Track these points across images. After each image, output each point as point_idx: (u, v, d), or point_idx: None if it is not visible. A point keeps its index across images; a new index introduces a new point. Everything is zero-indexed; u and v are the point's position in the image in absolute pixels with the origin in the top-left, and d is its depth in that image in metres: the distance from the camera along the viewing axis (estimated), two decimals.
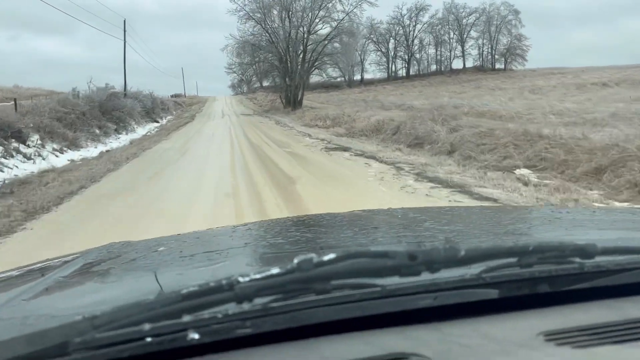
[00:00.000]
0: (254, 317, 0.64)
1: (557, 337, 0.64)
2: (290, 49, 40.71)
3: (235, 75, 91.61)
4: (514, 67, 70.91)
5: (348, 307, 0.68)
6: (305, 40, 40.00)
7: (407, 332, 0.67)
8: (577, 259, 0.77)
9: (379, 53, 76.97)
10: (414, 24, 76.33)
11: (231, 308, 0.63)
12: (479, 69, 72.20)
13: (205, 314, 0.63)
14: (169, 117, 36.32)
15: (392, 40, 77.40)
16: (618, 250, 0.83)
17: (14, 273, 1.21)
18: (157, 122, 30.75)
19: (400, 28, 75.11)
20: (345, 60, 43.14)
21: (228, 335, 0.63)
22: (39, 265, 1.28)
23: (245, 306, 0.64)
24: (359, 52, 67.23)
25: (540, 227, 1.39)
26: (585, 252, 0.78)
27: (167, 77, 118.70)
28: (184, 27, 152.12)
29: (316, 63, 41.16)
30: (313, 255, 0.67)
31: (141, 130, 24.21)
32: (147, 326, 0.61)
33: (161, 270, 1.05)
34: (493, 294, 0.73)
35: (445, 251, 0.71)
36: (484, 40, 75.25)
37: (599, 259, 0.78)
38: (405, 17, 75.31)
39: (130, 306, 0.63)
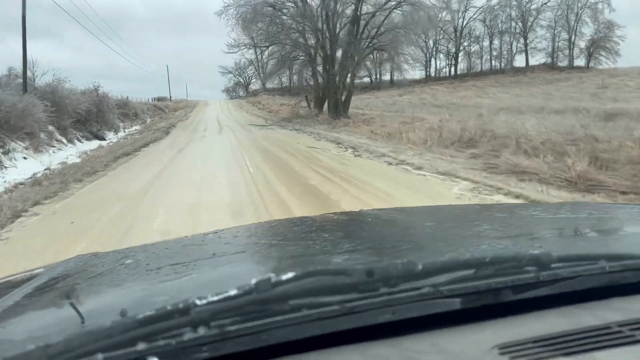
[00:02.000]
0: (210, 341, 0.69)
1: (512, 349, 0.71)
2: (330, 20, 23.66)
3: (232, 76, 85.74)
4: (599, 65, 58.91)
5: (307, 327, 0.74)
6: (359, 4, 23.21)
7: (368, 350, 0.73)
8: (533, 269, 0.84)
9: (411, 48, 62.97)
10: (465, 9, 62.80)
11: (187, 333, 0.69)
12: (550, 67, 60.49)
13: (160, 340, 0.68)
14: (133, 129, 25.77)
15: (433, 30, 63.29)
16: (573, 257, 0.89)
17: None
18: (103, 139, 20.01)
19: (447, 13, 58.52)
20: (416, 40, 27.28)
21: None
22: (1, 281, 1.36)
23: (201, 331, 0.69)
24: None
25: (513, 227, 1.44)
26: (541, 261, 0.84)
27: (156, 82, 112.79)
28: (174, 31, 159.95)
29: (374, 41, 24.40)
30: (271, 274, 0.74)
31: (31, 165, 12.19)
32: (100, 356, 0.65)
33: (125, 285, 1.11)
34: (452, 305, 0.80)
35: (402, 266, 0.78)
36: (557, 30, 61.99)
37: (554, 266, 0.84)
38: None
39: (84, 334, 0.68)
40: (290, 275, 0.73)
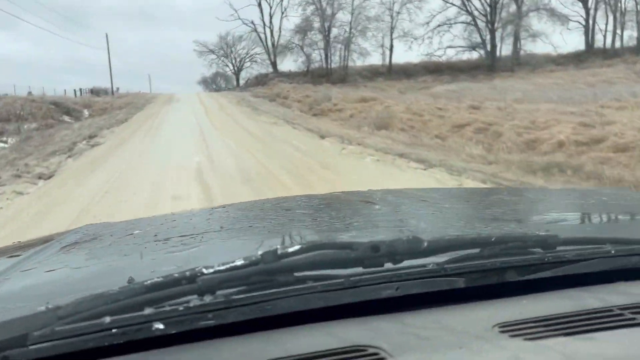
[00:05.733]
0: (216, 309, 0.71)
1: (512, 328, 0.71)
2: None
3: (214, 57, 59.47)
4: None
5: (311, 299, 0.75)
6: None
7: (369, 323, 0.74)
8: (539, 250, 0.84)
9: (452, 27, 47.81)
10: None
11: (193, 300, 0.70)
12: None
13: (167, 306, 0.69)
14: None
15: None
16: (579, 240, 0.90)
17: None
18: None
19: None
20: None
21: (191, 326, 0.70)
22: (14, 247, 1.38)
23: (207, 298, 0.71)
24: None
25: (516, 210, 1.46)
26: (547, 243, 0.85)
27: (127, 77, 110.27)
28: (142, 24, 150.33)
29: None
30: (277, 246, 0.75)
31: None
32: (107, 319, 0.67)
33: (134, 255, 1.13)
34: (456, 284, 0.80)
35: (408, 242, 0.79)
36: None
37: (560, 249, 0.85)
38: None
39: (93, 298, 0.69)
40: (296, 247, 0.75)
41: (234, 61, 62.18)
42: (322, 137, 14.85)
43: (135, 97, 41.83)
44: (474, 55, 46.39)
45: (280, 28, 53.22)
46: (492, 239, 0.84)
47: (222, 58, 61.90)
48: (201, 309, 0.70)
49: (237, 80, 61.94)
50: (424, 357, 0.64)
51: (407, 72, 45.67)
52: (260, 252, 0.74)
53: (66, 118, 27.41)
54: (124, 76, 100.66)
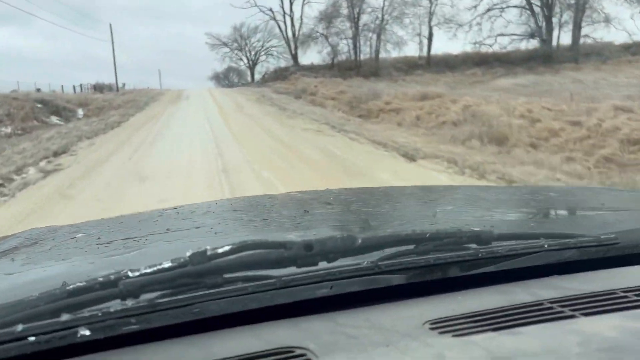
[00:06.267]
0: (139, 313, 0.70)
1: (443, 325, 0.71)
2: None
3: (228, 52, 55.21)
4: None
5: (241, 300, 0.74)
6: None
7: (301, 324, 0.73)
8: (473, 245, 0.84)
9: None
10: None
11: (115, 305, 0.69)
12: None
13: (85, 312, 0.68)
14: None
15: None
16: (513, 236, 0.90)
17: None
18: None
19: None
20: None
21: (114, 332, 0.69)
22: None
23: (130, 302, 0.69)
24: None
25: (464, 208, 1.46)
26: (481, 238, 0.85)
27: (138, 73, 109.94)
28: (152, 19, 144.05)
29: None
30: (207, 247, 0.74)
31: None
32: (20, 327, 0.66)
33: (72, 259, 1.12)
34: (390, 281, 0.80)
35: (342, 240, 0.78)
36: None
37: (494, 244, 0.85)
38: None
39: (10, 305, 0.69)
40: (227, 248, 0.74)
41: (248, 54, 57.41)
42: (411, 158, 9.44)
43: (141, 93, 37.41)
44: (523, 44, 40.36)
45: (301, 16, 47.82)
46: (427, 235, 0.84)
47: (236, 51, 57.23)
48: (123, 314, 0.69)
49: (252, 74, 57.27)
50: (349, 357, 0.64)
51: (448, 64, 40.10)
52: (188, 254, 0.73)
53: (54, 119, 22.99)
54: (133, 72, 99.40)
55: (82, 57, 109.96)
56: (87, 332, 0.66)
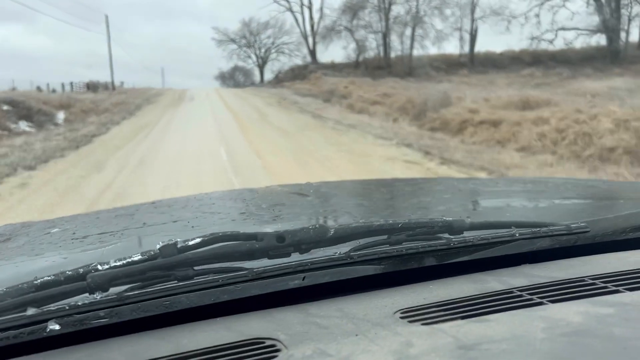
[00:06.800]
0: (108, 306, 0.69)
1: (413, 314, 0.71)
2: None
3: (236, 49, 49.65)
4: None
5: (212, 293, 0.74)
6: None
7: (273, 315, 0.73)
8: (446, 235, 0.84)
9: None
10: None
11: (82, 298, 0.69)
12: None
13: (52, 306, 0.68)
14: None
15: None
16: (485, 225, 0.90)
17: None
18: None
19: None
20: None
21: (84, 326, 0.69)
22: None
23: (98, 296, 0.69)
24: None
25: (442, 199, 1.45)
26: (453, 228, 0.85)
27: (145, 72, 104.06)
28: (158, 17, 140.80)
29: None
30: (177, 239, 0.74)
31: None
32: None
33: (45, 254, 1.10)
34: (362, 272, 0.80)
35: (314, 231, 0.78)
36: None
37: (466, 234, 0.85)
38: None
39: None
40: (197, 240, 0.74)
41: (257, 52, 52.90)
42: None
43: (138, 93, 32.76)
44: (585, 40, 34.31)
45: (321, 7, 42.43)
46: (399, 225, 0.83)
47: (244, 48, 52.80)
48: (91, 307, 0.68)
49: (262, 73, 52.84)
50: (319, 347, 0.64)
51: (495, 64, 34.48)
52: (158, 246, 0.73)
53: (23, 125, 18.08)
54: (137, 70, 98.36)
55: (88, 54, 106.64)
56: (57, 327, 0.66)
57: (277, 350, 0.63)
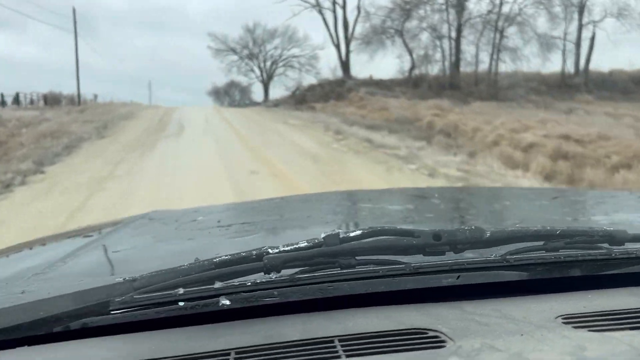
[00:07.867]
0: (281, 286, 0.75)
1: (576, 320, 0.70)
2: None
3: (237, 60, 40.90)
4: None
5: (373, 282, 0.77)
6: None
7: (428, 309, 0.75)
8: (606, 245, 0.82)
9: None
10: None
11: (260, 277, 0.75)
12: None
13: (236, 281, 0.74)
14: None
15: None
16: None
17: (62, 237, 1.43)
18: None
19: None
20: None
21: (257, 302, 0.74)
22: (89, 228, 1.51)
23: (273, 276, 0.75)
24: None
25: (585, 211, 1.42)
26: (615, 238, 0.82)
27: (134, 84, 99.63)
28: (149, 29, 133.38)
29: None
30: (339, 230, 0.79)
31: None
32: (180, 290, 0.72)
33: (199, 239, 1.19)
34: (517, 276, 0.80)
35: (470, 232, 0.79)
36: None
37: (628, 245, 0.82)
38: None
39: (166, 272, 0.76)
40: (358, 232, 0.78)
41: (262, 65, 43.57)
42: None
43: (104, 112, 24.39)
44: None
45: (358, 5, 32.39)
46: (557, 232, 0.82)
47: (246, 60, 43.69)
48: (267, 286, 0.74)
49: (266, 90, 42.83)
50: (485, 342, 0.64)
51: (616, 85, 24.53)
52: (322, 235, 0.77)
53: None
54: (126, 83, 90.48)
55: (81, 66, 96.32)
56: (227, 302, 0.71)
57: (442, 341, 0.65)
